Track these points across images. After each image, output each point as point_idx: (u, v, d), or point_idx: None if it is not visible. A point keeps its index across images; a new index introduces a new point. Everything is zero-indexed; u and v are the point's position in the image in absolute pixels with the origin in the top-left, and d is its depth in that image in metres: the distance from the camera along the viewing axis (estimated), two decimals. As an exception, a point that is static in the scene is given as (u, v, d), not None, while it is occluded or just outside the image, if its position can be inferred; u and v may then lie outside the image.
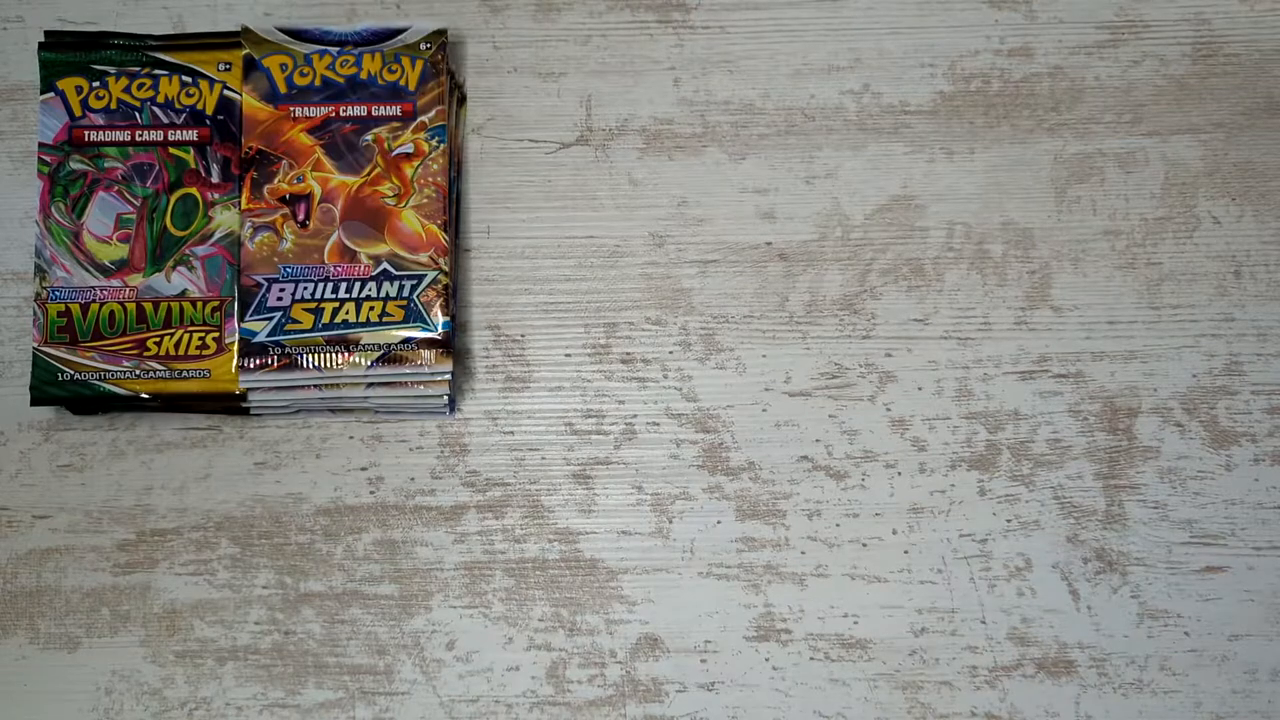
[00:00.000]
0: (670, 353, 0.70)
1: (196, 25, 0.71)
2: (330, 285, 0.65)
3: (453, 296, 0.67)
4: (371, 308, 0.65)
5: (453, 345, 0.65)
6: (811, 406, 0.69)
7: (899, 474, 0.68)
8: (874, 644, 0.66)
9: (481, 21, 0.71)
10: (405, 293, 0.65)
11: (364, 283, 0.65)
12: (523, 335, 0.69)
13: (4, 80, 0.72)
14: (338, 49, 0.67)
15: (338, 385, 0.65)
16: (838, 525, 0.68)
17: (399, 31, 0.68)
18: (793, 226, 0.70)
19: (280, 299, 0.65)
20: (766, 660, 0.66)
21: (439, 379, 0.65)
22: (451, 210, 0.68)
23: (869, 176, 0.70)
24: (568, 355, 0.69)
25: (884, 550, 0.67)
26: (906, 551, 0.67)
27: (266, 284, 0.65)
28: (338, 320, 0.64)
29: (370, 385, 0.65)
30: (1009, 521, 0.67)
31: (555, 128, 0.71)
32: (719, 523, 0.68)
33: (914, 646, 0.66)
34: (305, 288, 0.65)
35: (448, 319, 0.65)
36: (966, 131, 0.70)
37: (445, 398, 0.66)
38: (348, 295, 0.65)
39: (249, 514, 0.67)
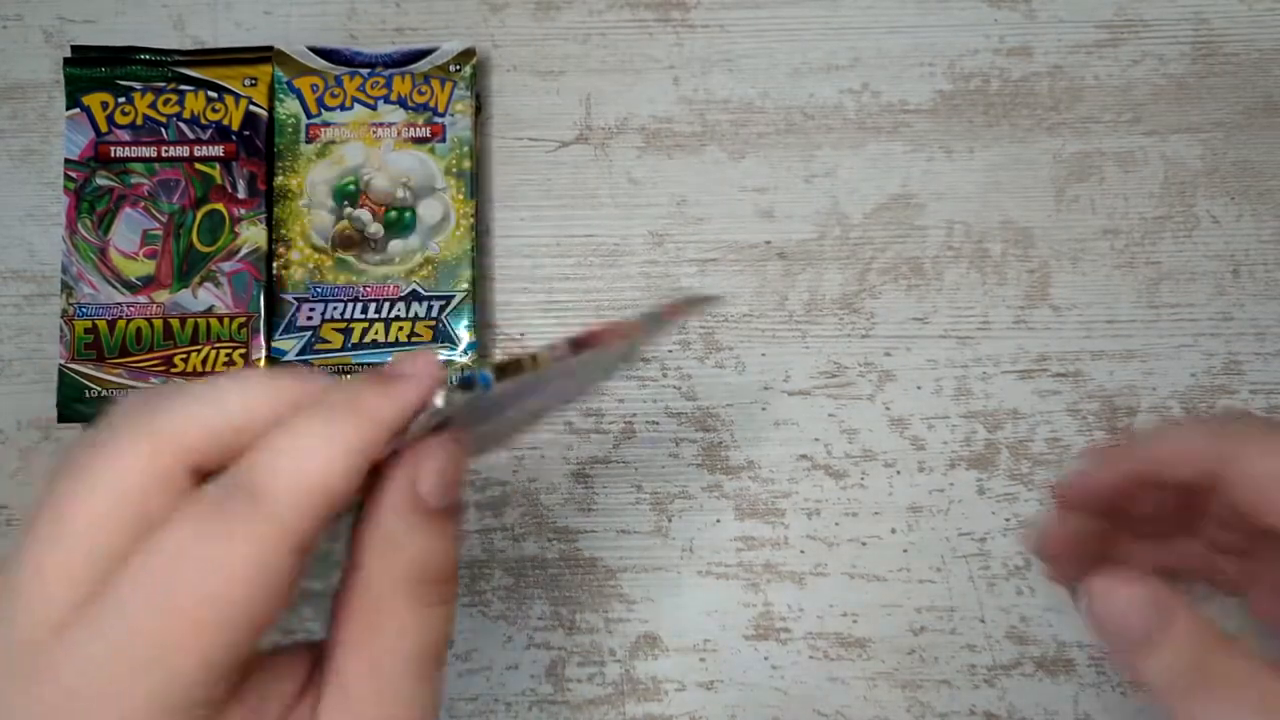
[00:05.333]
0: (669, 351, 0.70)
1: (197, 25, 0.71)
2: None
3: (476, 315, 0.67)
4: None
5: None
6: (811, 405, 0.69)
7: (898, 473, 0.68)
8: (873, 643, 0.66)
9: (480, 20, 0.71)
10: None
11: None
12: (522, 334, 0.69)
13: (4, 79, 0.72)
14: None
15: None
16: (837, 524, 0.68)
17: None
18: (792, 225, 0.70)
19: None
20: (765, 659, 0.66)
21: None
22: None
23: (868, 175, 0.70)
24: (567, 354, 0.69)
25: (883, 549, 0.67)
26: (905, 550, 0.67)
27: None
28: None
29: None
30: (1008, 520, 0.67)
31: (554, 126, 0.71)
32: (718, 521, 0.68)
33: (913, 645, 0.66)
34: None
35: (473, 341, 0.65)
36: (966, 131, 0.70)
37: None
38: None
39: (248, 512, 0.67)
